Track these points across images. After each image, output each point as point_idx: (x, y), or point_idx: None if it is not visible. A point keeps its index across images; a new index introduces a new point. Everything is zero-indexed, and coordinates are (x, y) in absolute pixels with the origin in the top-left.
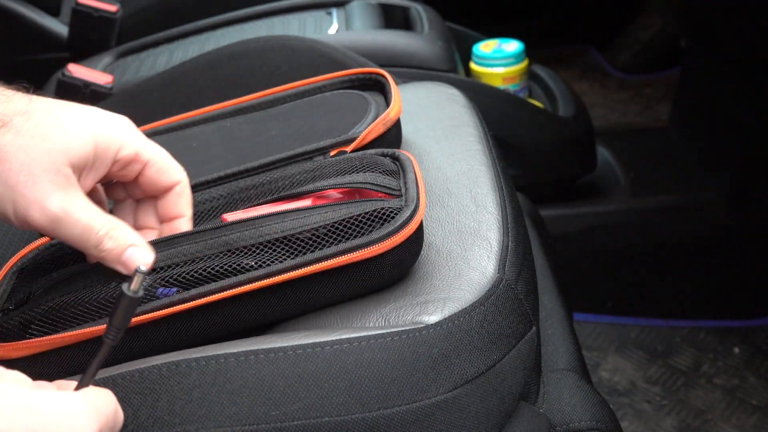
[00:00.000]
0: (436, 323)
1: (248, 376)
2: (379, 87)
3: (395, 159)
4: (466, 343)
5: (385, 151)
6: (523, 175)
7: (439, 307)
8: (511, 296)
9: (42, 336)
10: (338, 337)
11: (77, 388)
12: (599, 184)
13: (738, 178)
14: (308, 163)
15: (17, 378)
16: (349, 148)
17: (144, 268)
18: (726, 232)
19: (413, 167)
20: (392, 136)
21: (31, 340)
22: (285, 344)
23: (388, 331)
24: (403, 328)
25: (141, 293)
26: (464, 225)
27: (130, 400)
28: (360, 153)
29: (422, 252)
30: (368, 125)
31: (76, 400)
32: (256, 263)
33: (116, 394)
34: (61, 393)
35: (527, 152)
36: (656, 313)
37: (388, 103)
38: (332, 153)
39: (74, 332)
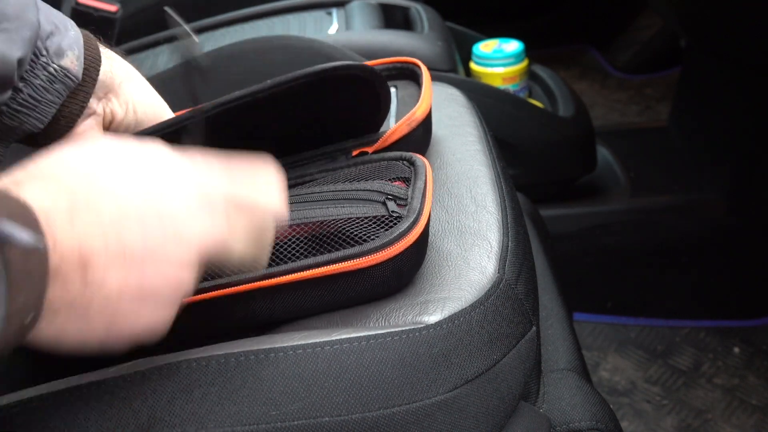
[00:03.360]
0: (436, 323)
1: (248, 376)
2: (413, 77)
3: (411, 164)
4: (466, 343)
5: (404, 154)
6: (523, 175)
7: (439, 307)
8: (511, 296)
9: None
10: (338, 337)
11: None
12: (599, 184)
13: (738, 178)
14: (328, 164)
15: None
16: (371, 149)
17: None
18: (726, 232)
19: (425, 175)
20: (419, 135)
21: None
22: (285, 344)
23: (388, 331)
24: (403, 328)
25: None
26: (464, 225)
27: (130, 400)
28: (378, 156)
29: None
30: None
31: None
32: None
33: (116, 394)
34: None
35: (527, 152)
36: (656, 313)
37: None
38: (354, 153)
39: None
